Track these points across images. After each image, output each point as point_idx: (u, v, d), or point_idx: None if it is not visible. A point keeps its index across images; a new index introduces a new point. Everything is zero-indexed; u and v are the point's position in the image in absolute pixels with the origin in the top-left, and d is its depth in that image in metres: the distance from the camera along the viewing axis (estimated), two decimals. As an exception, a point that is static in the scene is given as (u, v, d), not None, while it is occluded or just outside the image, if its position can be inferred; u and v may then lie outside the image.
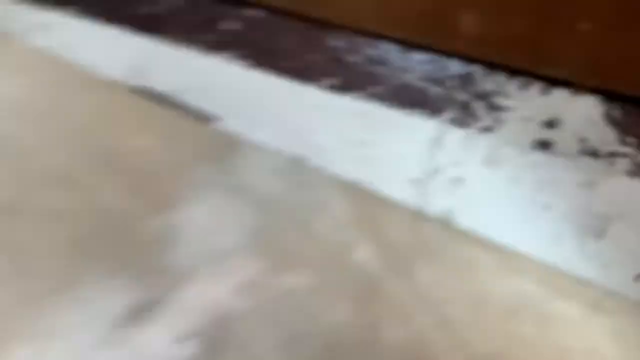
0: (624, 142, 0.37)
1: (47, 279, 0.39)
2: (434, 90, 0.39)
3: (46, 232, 0.41)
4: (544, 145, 0.37)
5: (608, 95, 0.37)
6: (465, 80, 0.38)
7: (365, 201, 0.40)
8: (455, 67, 0.38)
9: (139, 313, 0.38)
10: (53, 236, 0.40)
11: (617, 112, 0.38)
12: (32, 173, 0.44)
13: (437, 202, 0.39)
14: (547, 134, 0.37)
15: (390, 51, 0.44)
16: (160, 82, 0.48)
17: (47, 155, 0.45)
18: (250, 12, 0.51)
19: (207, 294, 0.38)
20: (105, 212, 0.41)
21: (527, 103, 0.37)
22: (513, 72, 0.37)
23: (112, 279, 0.39)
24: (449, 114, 0.39)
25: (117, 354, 0.36)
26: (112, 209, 0.41)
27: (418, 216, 0.39)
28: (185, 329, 0.37)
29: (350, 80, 0.42)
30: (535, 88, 0.37)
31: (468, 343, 0.34)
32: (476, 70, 0.38)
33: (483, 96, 0.38)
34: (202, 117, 0.44)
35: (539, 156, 0.37)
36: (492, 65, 0.37)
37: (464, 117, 0.38)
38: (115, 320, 0.37)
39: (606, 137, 0.37)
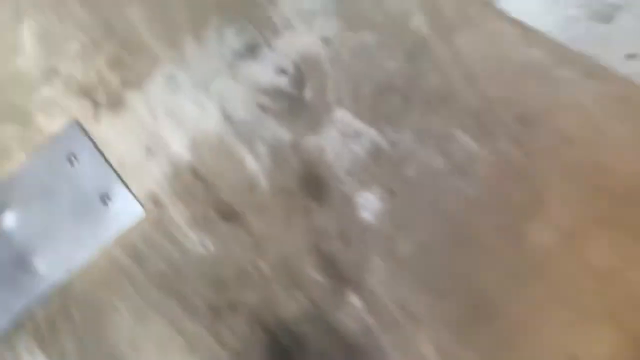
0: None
1: (186, 20, 0.53)
2: None
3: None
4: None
5: None
6: None
7: (425, -21, 0.51)
8: None
9: (249, 52, 0.52)
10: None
11: None
12: None
13: (483, -15, 0.49)
14: None
15: None
16: None
17: None
18: None
19: (300, 41, 0.52)
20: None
21: None
22: None
23: (229, 26, 0.53)
24: None
25: (231, 80, 0.52)
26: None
27: (466, -5, 0.50)
28: (281, 65, 0.51)
29: None
30: None
31: (483, 89, 0.47)
32: None
33: None
34: None
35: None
36: None
37: None
38: (233, 55, 0.52)
39: None
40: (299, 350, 0.44)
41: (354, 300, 0.44)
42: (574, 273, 0.42)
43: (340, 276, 0.45)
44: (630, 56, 0.45)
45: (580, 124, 0.45)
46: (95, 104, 0.52)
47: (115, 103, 0.52)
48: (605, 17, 0.45)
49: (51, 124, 0.52)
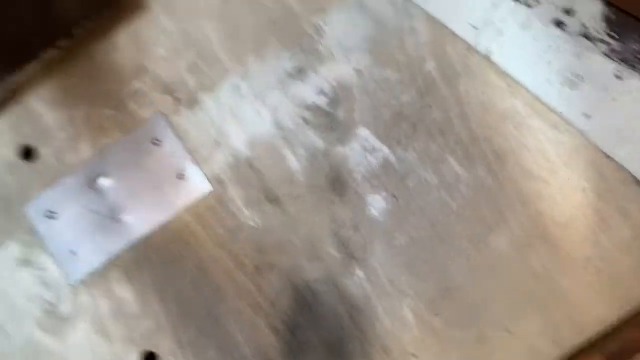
0: (609, 35, 0.60)
1: (251, 41, 0.68)
2: None
3: (250, 17, 0.68)
4: (559, 24, 0.61)
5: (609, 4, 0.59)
6: None
7: (441, 32, 0.66)
8: None
9: (299, 74, 0.67)
10: (253, 19, 0.68)
11: (612, 15, 0.59)
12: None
13: (484, 43, 0.64)
14: (563, 18, 0.60)
15: None
16: None
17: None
18: None
19: (338, 70, 0.67)
20: (285, 9, 0.68)
21: (559, -5, 0.59)
22: None
23: (285, 51, 0.68)
24: None
25: (283, 95, 0.67)
26: (290, 6, 0.68)
27: (470, 48, 0.65)
28: (322, 88, 0.67)
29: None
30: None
31: (473, 128, 0.63)
32: None
33: None
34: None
35: (555, 30, 0.61)
36: None
37: None
38: (286, 75, 0.67)
39: (598, 27, 0.60)
40: (317, 303, 0.62)
41: (359, 272, 0.62)
42: (519, 272, 0.60)
43: (350, 254, 0.63)
44: (587, 116, 0.61)
45: (539, 164, 0.61)
46: (176, 100, 0.68)
47: (192, 101, 0.68)
48: (573, 84, 0.61)
49: (140, 111, 0.68)
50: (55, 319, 0.66)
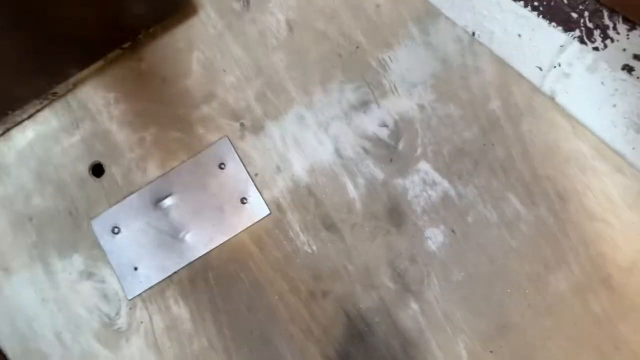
0: (678, 81, 0.60)
1: (317, 73, 0.70)
2: (574, 15, 0.62)
3: (316, 50, 0.71)
4: (628, 68, 0.61)
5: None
6: (595, 14, 0.60)
7: (506, 71, 0.67)
8: (591, 4, 0.60)
9: (361, 106, 0.69)
10: (320, 52, 0.71)
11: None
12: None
13: (549, 85, 0.65)
14: (632, 62, 0.60)
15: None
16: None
17: None
18: None
19: (401, 103, 0.68)
20: (352, 42, 0.70)
21: (627, 40, 0.59)
22: (626, 19, 0.59)
23: (349, 83, 0.70)
24: (577, 33, 0.62)
25: (345, 125, 0.69)
26: (355, 41, 0.70)
27: (534, 89, 0.66)
28: (385, 120, 0.68)
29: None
30: (637, 32, 0.59)
31: (536, 166, 0.63)
32: (604, 9, 0.60)
33: (602, 27, 0.61)
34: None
35: (623, 74, 0.61)
36: (614, 11, 0.59)
37: (586, 37, 0.62)
38: (349, 106, 0.69)
39: None
40: (369, 333, 0.62)
41: (414, 305, 0.62)
42: (577, 315, 0.59)
43: (406, 286, 0.63)
44: (653, 161, 0.60)
45: (602, 206, 0.60)
46: (242, 126, 0.70)
47: (258, 128, 0.70)
48: (639, 128, 0.61)
49: (207, 135, 0.71)
50: (111, 332, 0.67)
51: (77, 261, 0.69)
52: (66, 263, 0.68)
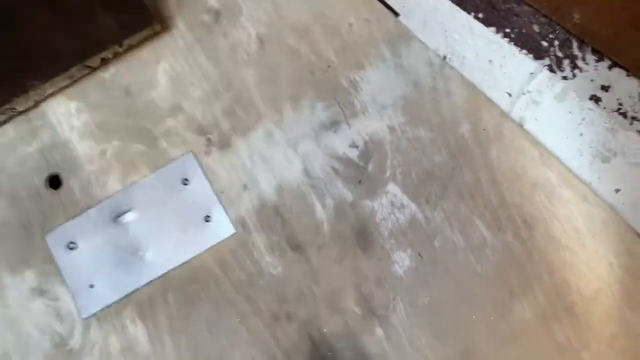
0: (644, 113, 0.61)
1: (288, 90, 0.69)
2: (544, 44, 0.62)
3: (287, 66, 0.70)
4: (595, 98, 0.61)
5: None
6: (565, 44, 0.61)
7: (476, 96, 0.67)
8: (562, 34, 0.61)
9: (332, 125, 0.68)
10: (291, 68, 0.70)
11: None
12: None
13: (518, 111, 0.65)
14: (599, 93, 0.61)
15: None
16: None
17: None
18: None
19: (372, 124, 0.68)
20: (323, 61, 0.69)
21: (595, 71, 0.60)
22: (595, 50, 0.60)
23: (320, 101, 0.69)
24: (547, 61, 0.63)
25: (315, 144, 0.68)
26: (327, 59, 0.69)
27: (504, 114, 0.66)
28: (355, 140, 0.67)
29: (494, 17, 0.64)
30: (605, 63, 0.60)
31: (503, 192, 0.63)
32: (574, 40, 0.61)
33: (572, 57, 0.61)
34: (393, 11, 0.69)
35: (590, 104, 0.62)
36: (583, 42, 0.60)
37: (556, 66, 0.62)
38: (319, 125, 0.68)
39: (634, 105, 0.60)
40: (333, 359, 0.61)
41: (379, 331, 0.61)
42: (541, 342, 0.59)
43: (372, 310, 0.62)
44: (617, 190, 0.61)
45: (567, 234, 0.61)
46: (209, 141, 0.68)
47: (224, 144, 0.68)
48: (605, 158, 0.61)
49: (171, 149, 0.69)
50: (63, 352, 0.64)
51: (29, 277, 0.65)
52: (17, 279, 0.65)
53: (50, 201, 0.68)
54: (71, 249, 0.66)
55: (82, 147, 0.69)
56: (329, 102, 0.67)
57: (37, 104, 0.69)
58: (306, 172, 0.66)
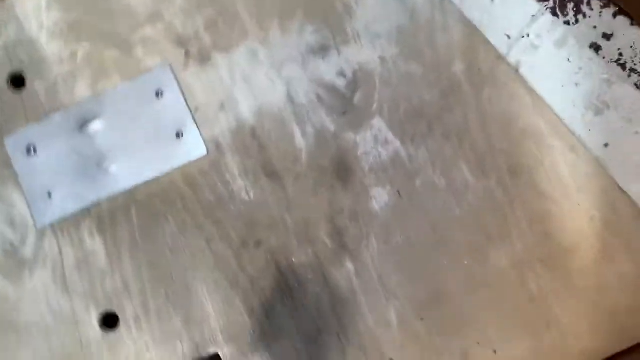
0: (643, 66, 0.59)
1: (277, 8, 0.65)
2: None
3: None
4: (596, 47, 0.59)
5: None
6: None
7: (473, 35, 0.63)
8: None
9: (321, 51, 0.64)
10: None
11: (651, 46, 0.58)
12: None
13: (515, 55, 0.62)
14: (601, 42, 0.59)
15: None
16: None
17: None
18: None
19: (362, 54, 0.64)
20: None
21: (599, 17, 0.58)
22: None
23: (310, 24, 0.65)
24: (550, 4, 0.60)
25: (300, 69, 0.64)
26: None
27: (500, 57, 0.63)
28: (343, 69, 0.64)
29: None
30: (610, 10, 0.58)
31: (491, 137, 0.61)
32: None
33: (576, 1, 0.59)
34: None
35: (590, 53, 0.59)
36: None
37: (559, 9, 0.60)
38: (307, 49, 0.64)
39: (634, 57, 0.58)
40: (299, 289, 0.59)
41: (349, 265, 0.59)
42: (514, 291, 0.57)
43: (344, 245, 0.59)
44: (606, 145, 0.59)
45: (552, 185, 0.59)
46: (187, 54, 0.64)
47: (204, 58, 0.64)
48: (598, 110, 0.59)
49: (147, 59, 0.64)
50: (14, 261, 0.61)
51: (-17, 179, 0.61)
52: (-31, 179, 0.61)
53: (11, 102, 0.63)
54: (30, 154, 0.62)
55: (51, 47, 0.64)
56: (319, 25, 0.63)
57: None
58: (289, 96, 0.62)
